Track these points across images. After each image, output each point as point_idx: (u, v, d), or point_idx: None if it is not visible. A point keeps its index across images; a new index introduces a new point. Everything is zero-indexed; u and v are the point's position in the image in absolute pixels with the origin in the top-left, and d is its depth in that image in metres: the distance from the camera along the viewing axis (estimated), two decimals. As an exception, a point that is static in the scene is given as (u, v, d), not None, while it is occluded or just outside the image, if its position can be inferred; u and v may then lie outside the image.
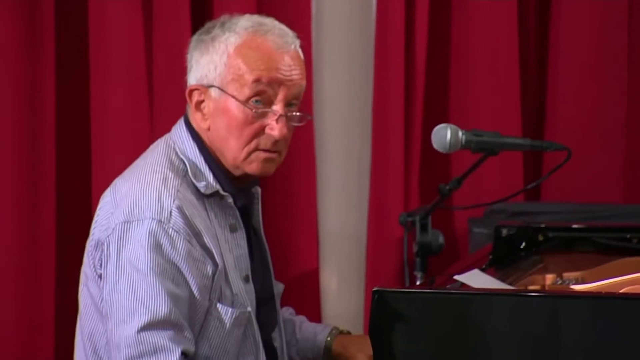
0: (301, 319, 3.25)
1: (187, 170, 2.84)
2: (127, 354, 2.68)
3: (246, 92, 2.82)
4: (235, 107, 2.83)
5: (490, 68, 3.97)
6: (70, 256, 3.14)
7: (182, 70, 3.27)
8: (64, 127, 3.80)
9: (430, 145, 3.06)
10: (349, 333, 3.14)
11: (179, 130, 2.91)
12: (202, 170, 2.86)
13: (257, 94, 2.82)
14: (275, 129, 2.84)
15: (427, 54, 3.94)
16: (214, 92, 2.83)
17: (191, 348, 2.71)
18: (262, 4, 3.87)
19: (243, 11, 3.62)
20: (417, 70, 3.90)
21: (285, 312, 3.24)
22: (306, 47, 3.68)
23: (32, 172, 3.76)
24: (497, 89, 3.95)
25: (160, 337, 2.68)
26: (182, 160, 2.86)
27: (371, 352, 2.54)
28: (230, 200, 2.86)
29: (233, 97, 2.82)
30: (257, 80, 2.81)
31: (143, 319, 2.67)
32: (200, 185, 2.82)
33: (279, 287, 3.15)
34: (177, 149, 2.89)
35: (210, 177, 2.85)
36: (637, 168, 3.90)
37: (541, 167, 3.86)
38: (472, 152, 3.07)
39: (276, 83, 2.83)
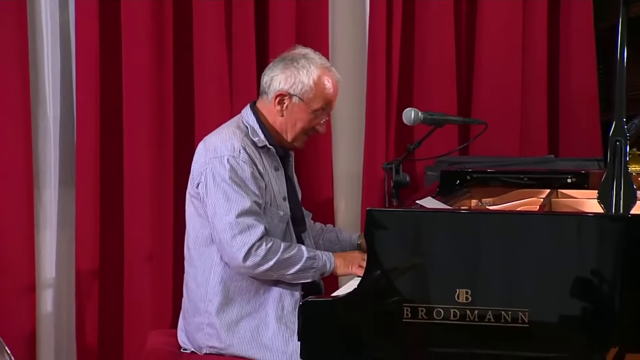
0: (339, 230, 3.32)
1: (247, 131, 2.91)
2: (232, 232, 2.76)
3: (318, 105, 2.92)
4: (306, 113, 2.92)
5: (437, 68, 3.88)
6: (182, 184, 3.18)
7: (247, 77, 3.29)
8: (180, 110, 3.75)
9: (402, 121, 3.09)
10: None
11: (247, 110, 2.99)
12: (257, 132, 2.91)
13: (322, 108, 2.92)
14: (322, 128, 2.98)
15: (400, 61, 3.86)
16: (295, 99, 2.90)
17: (267, 226, 2.80)
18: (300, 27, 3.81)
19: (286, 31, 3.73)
20: (393, 74, 3.86)
21: (330, 227, 3.32)
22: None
23: (160, 136, 3.69)
24: (441, 84, 3.86)
25: (248, 219, 2.76)
26: (245, 125, 2.94)
27: None
28: (274, 150, 2.95)
29: (309, 107, 2.92)
30: (325, 102, 2.94)
31: (235, 211, 2.76)
32: (255, 139, 2.89)
33: (308, 214, 3.22)
34: (243, 120, 2.96)
35: (262, 136, 2.90)
36: (527, 135, 3.88)
37: (469, 133, 3.83)
38: (427, 125, 3.10)
39: (331, 104, 2.98)
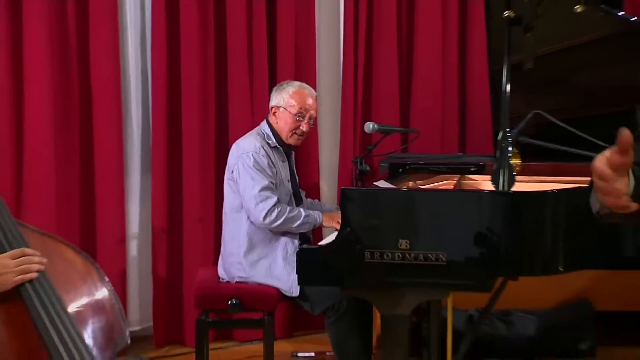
0: (322, 203, 3.32)
1: (264, 136, 2.92)
2: (255, 201, 2.79)
3: (295, 110, 2.90)
4: (289, 117, 2.91)
5: (386, 93, 3.76)
6: (219, 171, 3.20)
7: (262, 98, 3.39)
8: (219, 122, 3.68)
9: (363, 130, 3.11)
10: None
11: (264, 123, 3.00)
12: (270, 137, 2.94)
13: (299, 112, 2.90)
14: (304, 127, 2.93)
15: (362, 90, 3.77)
16: (281, 109, 2.91)
17: (278, 197, 2.81)
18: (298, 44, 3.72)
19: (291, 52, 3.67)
20: (358, 98, 3.78)
21: (317, 201, 3.31)
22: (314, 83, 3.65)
23: (205, 139, 3.62)
24: (389, 104, 3.76)
25: (266, 193, 2.79)
26: (263, 133, 2.96)
27: None
28: (281, 149, 2.96)
29: (289, 112, 2.89)
30: (300, 107, 2.91)
31: (258, 187, 2.78)
32: (269, 141, 2.91)
33: (303, 193, 3.18)
34: (261, 129, 2.96)
35: (274, 139, 2.92)
36: (445, 139, 3.83)
37: (408, 137, 3.75)
38: (381, 133, 3.13)
39: (307, 110, 2.93)
